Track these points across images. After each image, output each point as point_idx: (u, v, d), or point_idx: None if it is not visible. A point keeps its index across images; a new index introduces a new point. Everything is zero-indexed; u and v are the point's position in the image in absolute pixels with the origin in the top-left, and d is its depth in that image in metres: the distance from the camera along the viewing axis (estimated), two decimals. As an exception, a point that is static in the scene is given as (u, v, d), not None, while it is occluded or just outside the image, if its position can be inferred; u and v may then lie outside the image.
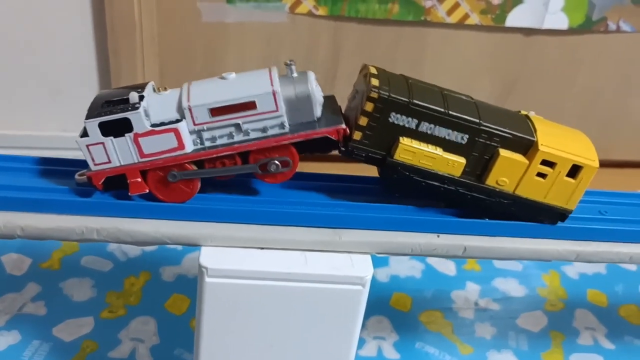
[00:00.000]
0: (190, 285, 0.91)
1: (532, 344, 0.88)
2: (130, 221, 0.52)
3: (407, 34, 1.12)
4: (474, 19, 1.11)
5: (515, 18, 1.12)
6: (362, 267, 0.53)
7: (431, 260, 1.01)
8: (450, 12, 1.10)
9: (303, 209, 0.54)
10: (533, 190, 0.54)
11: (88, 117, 0.50)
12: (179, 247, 0.99)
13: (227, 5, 1.05)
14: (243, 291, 0.52)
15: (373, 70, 0.52)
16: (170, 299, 0.89)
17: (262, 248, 0.53)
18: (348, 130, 0.52)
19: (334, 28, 1.10)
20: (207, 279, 0.52)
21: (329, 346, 0.56)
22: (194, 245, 0.53)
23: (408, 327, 0.88)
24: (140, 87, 0.52)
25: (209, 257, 0.52)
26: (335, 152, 0.54)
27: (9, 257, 0.93)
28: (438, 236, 0.55)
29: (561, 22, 1.13)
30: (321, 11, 1.08)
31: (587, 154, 0.53)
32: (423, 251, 0.55)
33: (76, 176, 0.54)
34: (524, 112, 0.57)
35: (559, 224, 0.56)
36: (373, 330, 0.87)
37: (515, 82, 1.20)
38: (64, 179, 0.55)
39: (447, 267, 1.01)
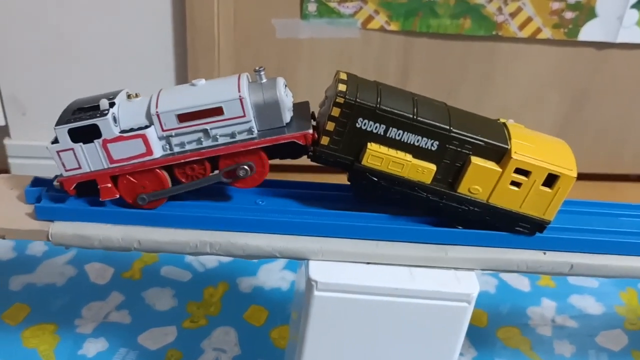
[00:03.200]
0: (267, 297, 0.93)
1: (614, 363, 0.86)
2: (241, 235, 0.54)
3: (478, 49, 1.12)
4: (546, 33, 1.10)
5: (588, 32, 1.11)
6: (468, 284, 0.53)
7: (505, 276, 1.01)
8: (522, 27, 1.10)
9: (409, 224, 0.55)
10: (507, 199, 0.53)
11: (58, 123, 0.51)
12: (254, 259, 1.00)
13: (301, 21, 1.07)
14: (350, 305, 0.53)
15: (342, 76, 0.51)
16: (249, 310, 0.90)
17: (369, 263, 0.54)
18: (317, 135, 0.52)
19: (405, 43, 1.11)
20: (316, 293, 0.52)
21: (432, 362, 0.56)
22: (302, 259, 0.54)
23: (486, 343, 0.88)
24: (114, 95, 0.53)
25: (318, 271, 0.53)
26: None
27: (92, 266, 0.96)
28: (544, 253, 0.55)
29: (636, 36, 1.11)
30: (393, 26, 1.09)
31: (564, 164, 0.52)
32: (529, 268, 0.55)
33: (54, 182, 0.54)
34: (502, 120, 0.55)
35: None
36: (451, 345, 0.87)
37: (586, 97, 1.18)
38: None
39: (521, 283, 1.00)
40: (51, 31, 1.04)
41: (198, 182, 0.53)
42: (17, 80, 1.08)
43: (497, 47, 1.12)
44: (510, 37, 1.10)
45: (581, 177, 1.37)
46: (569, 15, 1.09)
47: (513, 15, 1.09)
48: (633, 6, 1.08)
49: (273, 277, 0.97)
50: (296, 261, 0.98)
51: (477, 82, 1.15)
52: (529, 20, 1.09)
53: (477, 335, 0.89)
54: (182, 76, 1.08)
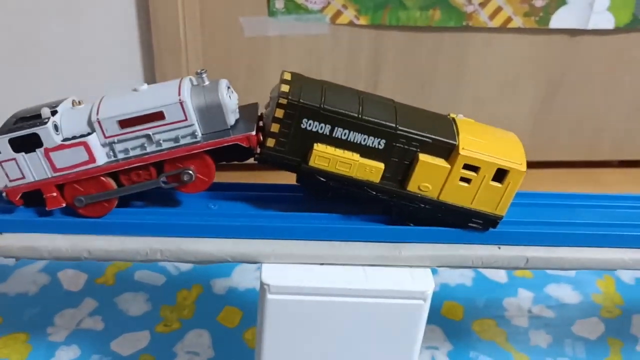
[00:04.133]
0: (242, 298, 0.92)
1: (590, 351, 0.86)
2: (192, 241, 0.53)
3: (449, 40, 1.11)
4: (517, 22, 1.10)
5: (560, 19, 1.10)
6: (422, 282, 0.53)
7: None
8: (492, 17, 1.09)
9: (362, 224, 0.54)
10: (458, 195, 0.52)
11: None
12: (229, 260, 1.00)
13: (269, 18, 1.06)
14: (304, 307, 0.53)
15: (287, 76, 0.51)
16: (223, 312, 0.89)
17: (322, 264, 0.54)
18: (261, 138, 0.51)
19: (375, 37, 1.10)
20: (269, 296, 0.52)
21: (391, 360, 0.56)
22: (254, 263, 0.54)
23: (461, 336, 0.88)
24: (57, 103, 0.52)
25: (271, 274, 0.52)
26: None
27: (65, 273, 0.95)
28: (499, 248, 0.54)
29: (607, 21, 1.11)
30: (362, 21, 1.08)
31: (514, 158, 0.51)
32: (484, 263, 0.54)
33: (2, 193, 0.54)
34: (452, 115, 0.55)
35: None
36: (426, 339, 0.86)
37: (561, 84, 1.18)
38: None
39: (498, 275, 1.00)
40: (11, 35, 1.03)
41: (138, 186, 0.52)
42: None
43: (468, 37, 1.11)
44: (480, 27, 1.10)
45: (560, 164, 1.37)
46: (539, 3, 1.09)
47: (483, 5, 1.08)
48: (604, -8, 1.08)
49: (247, 277, 0.96)
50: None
51: (450, 74, 1.15)
52: (499, 9, 1.09)
53: (453, 328, 0.89)
54: (150, 78, 1.07)
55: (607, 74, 1.17)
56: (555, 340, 0.88)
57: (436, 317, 0.91)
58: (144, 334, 0.85)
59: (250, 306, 0.91)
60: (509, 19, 1.10)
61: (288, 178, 0.55)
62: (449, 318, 0.90)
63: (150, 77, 1.07)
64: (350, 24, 1.08)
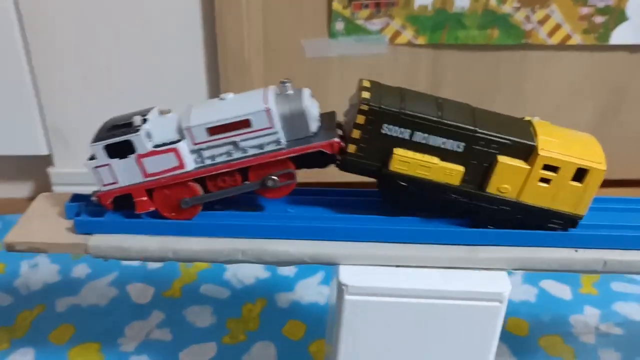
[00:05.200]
0: (305, 311, 0.93)
1: (663, 370, 0.84)
2: (272, 242, 0.55)
3: (508, 58, 1.12)
4: (576, 39, 1.10)
5: (620, 35, 1.10)
6: (499, 283, 0.53)
7: (545, 284, 0.99)
8: (551, 34, 1.09)
9: (438, 226, 0.55)
10: (538, 196, 0.52)
11: (94, 140, 0.53)
12: (291, 274, 1.01)
13: (329, 40, 1.09)
14: (381, 308, 0.53)
15: (366, 84, 0.52)
16: (287, 325, 0.91)
17: (398, 266, 0.54)
18: (343, 144, 0.52)
19: (434, 56, 1.11)
20: (347, 297, 0.53)
21: (467, 364, 0.56)
22: (333, 264, 0.55)
23: (528, 352, 0.86)
24: (146, 112, 0.55)
25: (349, 275, 0.53)
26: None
27: (134, 286, 0.98)
28: (576, 251, 0.54)
29: (668, 37, 1.10)
30: (420, 40, 1.10)
31: (593, 157, 0.51)
32: (561, 266, 0.54)
33: (92, 197, 0.56)
34: (527, 118, 0.55)
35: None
36: (492, 355, 0.86)
37: (621, 101, 1.17)
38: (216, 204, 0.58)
39: (562, 291, 0.98)
40: (90, 62, 1.09)
41: (234, 190, 0.54)
42: (60, 111, 1.13)
43: (527, 55, 1.12)
44: (539, 44, 1.10)
45: (619, 183, 1.34)
46: (598, 19, 1.08)
47: (542, 22, 1.08)
48: (664, 7, 1.07)
49: (310, 292, 0.97)
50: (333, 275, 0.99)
51: (509, 91, 1.15)
52: (557, 27, 1.09)
53: (519, 344, 0.87)
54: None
55: (670, 90, 1.15)
56: (625, 358, 0.86)
57: (501, 332, 0.89)
58: (211, 346, 0.87)
59: (314, 319, 0.91)
60: (568, 36, 1.10)
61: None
62: (514, 334, 0.89)
63: (216, 96, 1.10)
64: (409, 43, 1.10)
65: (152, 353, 0.86)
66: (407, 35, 1.09)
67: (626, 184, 1.26)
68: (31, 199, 1.26)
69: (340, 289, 0.53)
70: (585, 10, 1.08)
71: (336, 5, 1.06)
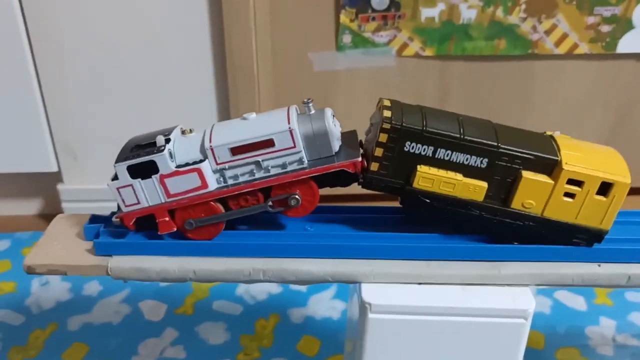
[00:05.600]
0: (319, 327, 0.93)
1: (681, 380, 0.83)
2: (293, 261, 0.54)
3: (515, 68, 1.12)
4: (583, 48, 1.10)
5: (627, 44, 1.10)
6: (523, 300, 0.52)
7: (559, 296, 0.99)
8: (558, 44, 1.10)
9: (460, 243, 0.55)
10: (562, 211, 0.52)
11: (117, 160, 0.53)
12: (304, 290, 1.01)
13: (337, 53, 1.09)
14: (405, 326, 0.53)
15: (387, 103, 0.52)
16: (302, 341, 0.90)
17: (421, 283, 0.54)
18: (365, 163, 0.52)
19: (441, 67, 1.11)
20: (371, 315, 0.52)
21: (491, 381, 0.55)
22: (354, 282, 0.54)
23: (545, 365, 0.86)
24: (169, 131, 0.54)
25: (371, 293, 0.53)
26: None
27: (146, 303, 0.98)
28: (599, 265, 0.54)
29: (675, 45, 1.10)
30: (428, 52, 1.10)
31: (617, 171, 0.51)
32: (585, 281, 0.54)
33: (113, 219, 0.56)
34: (549, 133, 0.55)
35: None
36: (509, 368, 0.85)
37: (631, 110, 1.17)
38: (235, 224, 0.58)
39: (577, 302, 0.98)
40: (98, 77, 1.09)
41: (247, 210, 0.54)
42: (68, 126, 1.13)
43: (534, 65, 1.12)
44: (546, 54, 1.10)
45: (631, 192, 1.33)
46: (605, 28, 1.09)
47: (548, 32, 1.08)
48: (671, 15, 1.07)
49: (323, 306, 0.97)
50: (346, 290, 0.98)
51: (517, 102, 1.15)
52: (564, 36, 1.09)
53: (536, 357, 0.87)
54: (224, 113, 1.11)
55: (678, 98, 1.16)
56: (643, 369, 0.85)
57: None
58: (225, 362, 0.87)
59: (328, 335, 0.91)
60: (575, 46, 1.10)
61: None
62: (531, 347, 0.89)
63: (225, 112, 1.10)
64: (416, 55, 1.10)
65: (167, 371, 0.85)
66: (415, 47, 1.09)
67: (634, 192, 1.25)
68: (41, 216, 1.26)
69: (364, 307, 0.53)
70: (591, 20, 1.08)
71: (343, 19, 1.06)
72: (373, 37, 1.08)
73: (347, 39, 1.08)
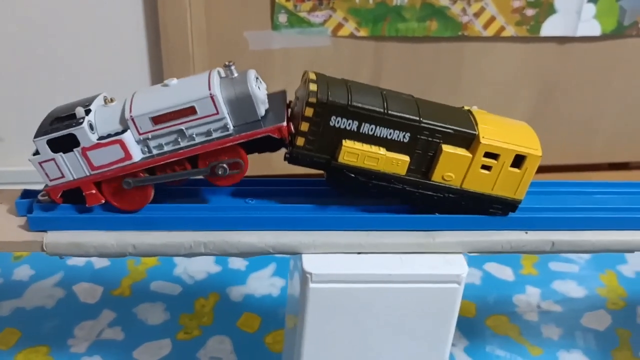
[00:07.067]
0: (259, 304, 0.94)
1: (599, 342, 0.89)
2: (234, 234, 0.55)
3: (446, 49, 1.15)
4: (510, 30, 1.14)
5: (550, 28, 1.15)
6: (457, 266, 0.55)
7: (488, 267, 1.03)
8: (486, 26, 1.13)
9: (396, 213, 0.56)
10: (480, 183, 0.54)
11: (37, 135, 0.51)
12: (243, 268, 1.01)
13: (272, 32, 1.09)
14: (345, 294, 0.54)
15: (312, 76, 0.52)
16: (242, 318, 0.91)
17: (360, 253, 0.56)
18: (292, 128, 0.52)
19: (375, 48, 1.13)
20: (312, 285, 0.54)
21: (427, 344, 0.58)
22: (295, 254, 0.55)
23: (476, 332, 0.90)
24: (90, 101, 0.53)
25: (312, 263, 0.54)
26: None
27: (80, 286, 0.96)
28: (526, 233, 0.57)
29: (594, 29, 1.16)
30: (362, 32, 1.11)
31: (530, 144, 0.53)
32: (513, 248, 0.57)
33: (39, 196, 0.55)
34: (466, 107, 0.57)
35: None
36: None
37: (553, 90, 1.22)
38: (173, 198, 0.58)
39: (505, 273, 1.02)
40: (22, 52, 1.04)
41: (182, 174, 0.53)
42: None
43: (464, 46, 1.16)
44: (475, 36, 1.14)
45: (554, 169, 1.40)
46: (529, 12, 1.13)
47: (477, 15, 1.12)
48: (589, 0, 1.13)
49: (263, 284, 0.98)
50: (285, 267, 0.99)
51: (448, 82, 1.19)
52: (492, 19, 1.13)
53: (467, 325, 0.91)
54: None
55: (596, 79, 1.22)
56: (566, 332, 0.91)
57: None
58: (165, 342, 0.86)
59: (268, 311, 0.92)
60: (502, 28, 1.14)
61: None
62: (463, 315, 0.93)
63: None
64: (351, 35, 1.11)
65: (105, 353, 0.84)
66: (349, 27, 1.11)
67: (560, 170, 1.32)
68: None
69: (305, 277, 0.54)
70: (517, 4, 1.13)
71: (279, -2, 1.06)
72: (308, 16, 1.09)
73: (282, 18, 1.08)
